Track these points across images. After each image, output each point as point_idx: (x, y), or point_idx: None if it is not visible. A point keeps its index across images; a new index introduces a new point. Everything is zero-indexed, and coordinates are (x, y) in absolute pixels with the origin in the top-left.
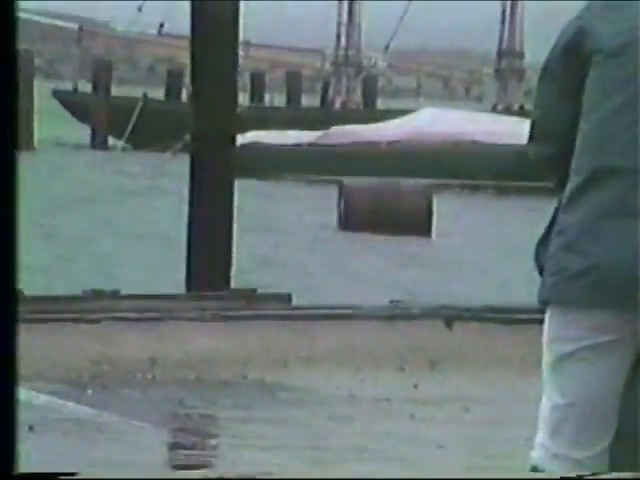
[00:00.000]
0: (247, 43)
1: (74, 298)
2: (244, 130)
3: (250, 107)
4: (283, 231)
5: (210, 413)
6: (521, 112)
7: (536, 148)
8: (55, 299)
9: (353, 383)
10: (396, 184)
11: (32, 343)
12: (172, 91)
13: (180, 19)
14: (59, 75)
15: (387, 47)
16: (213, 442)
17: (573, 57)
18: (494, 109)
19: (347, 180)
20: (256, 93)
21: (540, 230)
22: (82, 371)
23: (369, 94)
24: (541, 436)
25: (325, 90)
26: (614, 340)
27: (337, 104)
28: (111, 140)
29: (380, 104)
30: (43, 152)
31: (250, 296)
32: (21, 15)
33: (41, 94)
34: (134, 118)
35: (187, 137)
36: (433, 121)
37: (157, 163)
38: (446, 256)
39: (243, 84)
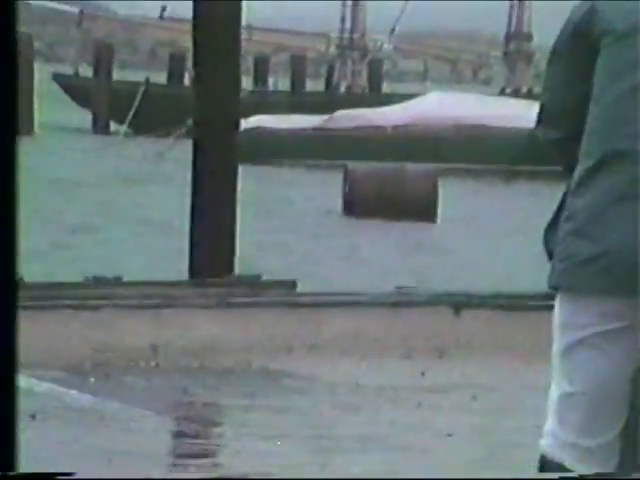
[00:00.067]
0: (250, 27)
1: (75, 285)
2: (247, 115)
3: (254, 91)
4: (287, 217)
5: (213, 401)
6: (530, 95)
7: (545, 131)
8: (56, 286)
9: (358, 371)
10: (401, 169)
11: (33, 331)
12: (174, 75)
13: (182, 2)
14: (59, 58)
15: (393, 30)
16: (216, 430)
17: (583, 38)
18: (502, 92)
19: (352, 165)
20: (260, 77)
21: (549, 215)
22: (84, 359)
23: (374, 78)
24: (550, 424)
25: (330, 74)
26: (625, 327)
27: (342, 88)
28: (113, 125)
29: (386, 88)
30: (43, 137)
31: (254, 283)
32: None
33: (41, 78)
34: (136, 103)
35: (190, 122)
36: (440, 105)
37: (159, 148)
38: (452, 242)
39: (246, 68)
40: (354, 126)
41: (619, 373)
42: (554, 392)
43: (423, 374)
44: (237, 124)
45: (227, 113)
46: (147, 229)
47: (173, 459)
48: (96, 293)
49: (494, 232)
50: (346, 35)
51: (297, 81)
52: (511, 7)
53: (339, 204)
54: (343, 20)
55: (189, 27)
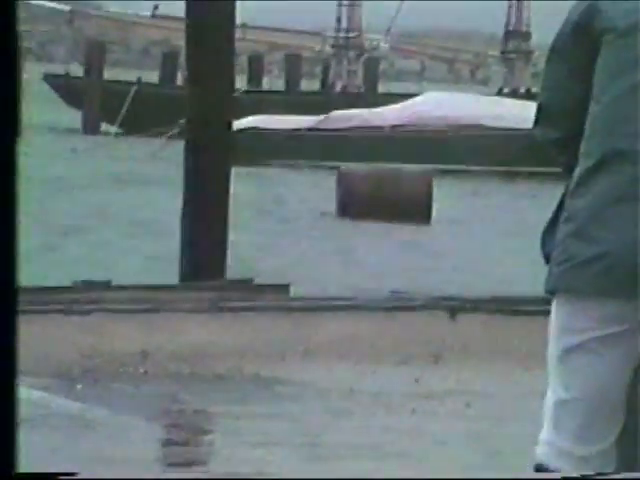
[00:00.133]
0: (245, 25)
1: (64, 289)
2: (241, 115)
3: (248, 91)
4: (281, 218)
5: (204, 408)
6: (528, 95)
7: (543, 131)
8: (44, 290)
9: (352, 377)
10: (395, 170)
11: (20, 335)
12: (167, 74)
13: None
14: (50, 57)
15: (389, 29)
16: (207, 438)
17: (583, 36)
18: (500, 92)
19: (345, 166)
20: (254, 76)
21: (547, 217)
22: (72, 365)
23: (371, 77)
24: (545, 432)
25: (325, 73)
26: (623, 331)
27: (337, 88)
28: (104, 125)
29: (382, 88)
30: (33, 137)
31: (246, 286)
32: None
33: (32, 77)
34: (128, 102)
35: (182, 122)
36: (437, 105)
37: (151, 149)
38: (448, 244)
39: (240, 67)
40: (350, 126)
41: (617, 379)
42: (550, 398)
43: (417, 380)
44: (230, 124)
45: (221, 113)
46: (138, 231)
47: (162, 467)
48: (85, 297)
49: (491, 234)
50: (342, 34)
51: (292, 81)
52: (509, 6)
53: (333, 206)
54: (339, 19)
55: (182, 25)
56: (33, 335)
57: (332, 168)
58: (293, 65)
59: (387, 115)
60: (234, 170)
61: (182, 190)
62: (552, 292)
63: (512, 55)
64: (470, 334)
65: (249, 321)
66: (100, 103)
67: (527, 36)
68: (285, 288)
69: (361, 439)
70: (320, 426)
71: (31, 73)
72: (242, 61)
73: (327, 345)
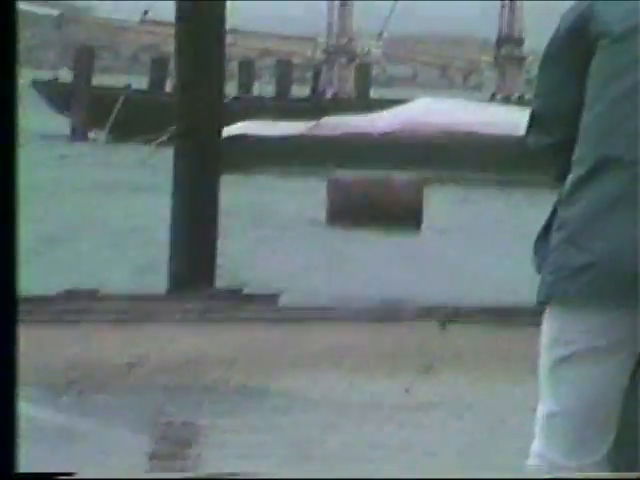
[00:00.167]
0: (235, 30)
1: (49, 298)
2: (231, 121)
3: (238, 97)
4: (270, 226)
5: (191, 420)
6: (521, 101)
7: (536, 137)
8: (29, 299)
9: (342, 388)
10: (385, 177)
11: None
12: (156, 80)
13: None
14: (39, 63)
15: (381, 34)
16: (194, 451)
17: (577, 41)
18: (493, 98)
19: (335, 173)
20: (244, 82)
21: (539, 225)
22: (57, 376)
23: (362, 83)
24: (537, 444)
25: (316, 79)
26: (615, 342)
27: (328, 94)
28: (92, 132)
29: (374, 93)
30: (20, 144)
31: (235, 296)
32: None
33: (20, 83)
34: (116, 109)
35: (172, 129)
36: (429, 111)
37: (140, 156)
38: (439, 252)
39: (231, 73)
40: (341, 133)
41: (609, 390)
42: (541, 410)
43: (407, 391)
44: (220, 131)
45: (210, 120)
46: (126, 239)
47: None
48: (71, 307)
49: (482, 242)
50: (333, 40)
51: (282, 87)
52: (502, 12)
53: (323, 213)
54: (330, 24)
55: (172, 31)
56: (17, 346)
57: (323, 175)
58: (284, 71)
59: (379, 121)
60: (223, 177)
61: (171, 197)
62: (544, 302)
63: (505, 61)
64: (461, 344)
65: (237, 331)
66: (89, 110)
67: (520, 42)
68: (274, 298)
69: (351, 451)
70: (309, 438)
71: (19, 79)
72: (232, 67)
73: (316, 356)
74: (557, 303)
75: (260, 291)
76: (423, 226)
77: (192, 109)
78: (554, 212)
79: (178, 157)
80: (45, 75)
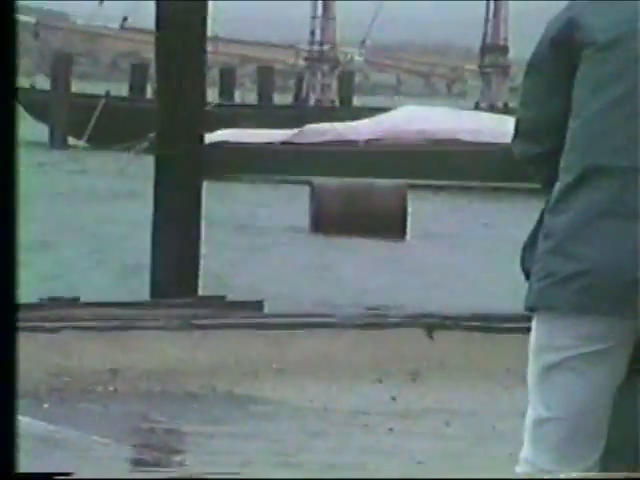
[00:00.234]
0: (216, 38)
1: (30, 306)
2: (213, 129)
3: (219, 104)
4: (254, 234)
5: (176, 428)
6: (505, 110)
7: (521, 146)
8: None
9: (328, 395)
10: (369, 184)
11: None
12: (136, 87)
13: (144, 13)
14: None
15: (364, 42)
16: (179, 458)
17: (562, 50)
18: (477, 107)
19: (318, 181)
20: (226, 89)
21: (524, 233)
22: (39, 384)
23: (345, 91)
24: (526, 451)
25: (298, 87)
26: (604, 349)
27: (311, 101)
28: (71, 139)
29: (357, 101)
30: None
31: (219, 303)
32: None
33: None
34: (95, 116)
35: (152, 136)
36: (413, 119)
37: (120, 163)
38: (424, 260)
39: (212, 80)
40: (324, 140)
41: (598, 397)
42: (530, 417)
43: (395, 398)
44: (201, 138)
45: (192, 127)
46: (106, 247)
47: None
48: (52, 315)
49: (467, 250)
50: (315, 47)
51: (265, 94)
52: (486, 20)
53: (306, 221)
54: (313, 32)
55: (152, 38)
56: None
57: (305, 183)
58: (266, 78)
59: (362, 129)
60: (205, 185)
61: (152, 205)
62: (532, 309)
63: (489, 69)
64: (448, 351)
65: (222, 338)
66: (67, 117)
67: (504, 50)
68: (258, 305)
69: (337, 459)
70: (295, 446)
71: None
72: (214, 74)
73: (302, 363)
74: (546, 310)
75: (244, 298)
76: (407, 233)
77: (173, 116)
78: (541, 220)
79: (159, 164)
80: (21, 82)
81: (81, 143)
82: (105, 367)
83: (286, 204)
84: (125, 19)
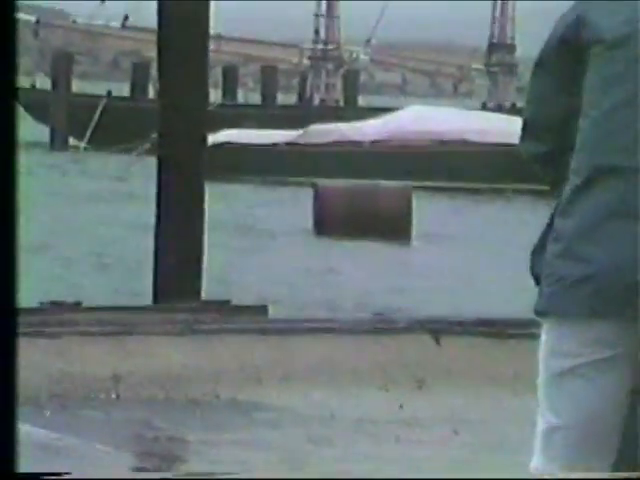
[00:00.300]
0: (219, 36)
1: (31, 310)
2: (216, 129)
3: (222, 104)
4: (257, 236)
5: (179, 435)
6: (513, 110)
7: (529, 146)
8: None
9: (333, 402)
10: (373, 186)
11: None
12: (138, 86)
13: (146, 12)
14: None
15: (369, 40)
16: (182, 467)
17: (570, 49)
18: (484, 107)
19: (322, 182)
20: (229, 89)
21: (533, 235)
22: (40, 390)
23: (350, 90)
24: (536, 460)
25: (302, 86)
26: (616, 355)
27: (315, 101)
28: (72, 140)
29: (362, 101)
30: None
31: (222, 308)
32: None
33: None
34: (96, 117)
35: (154, 137)
36: (419, 119)
37: (121, 164)
38: (430, 263)
39: (215, 80)
40: (329, 141)
41: (609, 405)
42: (540, 425)
43: (401, 406)
44: (204, 139)
45: (194, 127)
46: (108, 249)
47: None
48: (54, 319)
49: (474, 253)
50: (320, 46)
51: (268, 94)
52: (493, 18)
53: (310, 223)
54: (317, 30)
55: (153, 36)
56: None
57: (308, 184)
58: (269, 78)
59: (367, 130)
60: (208, 186)
61: (155, 207)
62: (542, 314)
63: (496, 68)
64: (456, 358)
65: (225, 344)
66: (68, 117)
67: (512, 49)
68: (263, 309)
69: (343, 467)
70: (300, 454)
71: None
72: (216, 73)
73: (307, 369)
74: (556, 315)
75: (247, 301)
76: (413, 236)
77: (175, 116)
78: (551, 222)
79: (161, 165)
80: (21, 81)
81: (82, 144)
82: (107, 373)
83: (290, 206)
84: (126, 18)
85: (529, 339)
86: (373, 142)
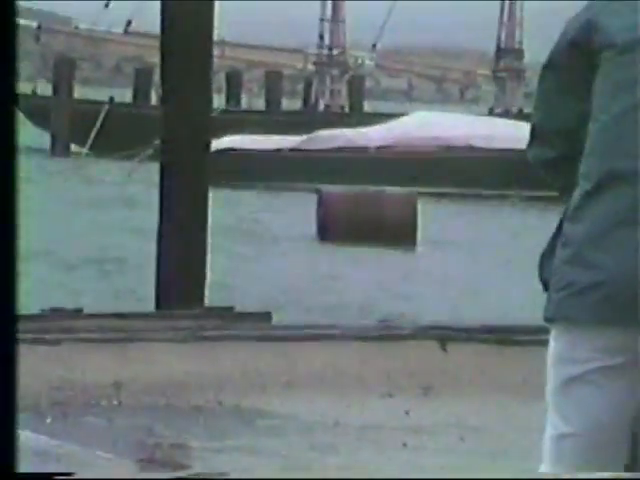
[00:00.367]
0: (222, 42)
1: (31, 317)
2: (219, 135)
3: (226, 110)
4: (262, 243)
5: (181, 442)
6: (520, 115)
7: (537, 151)
8: None
9: (338, 409)
10: (377, 192)
11: None
12: (140, 92)
13: (149, 17)
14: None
15: (375, 45)
16: (184, 474)
17: (580, 53)
18: (491, 112)
19: (326, 188)
20: (232, 95)
21: (542, 241)
22: (40, 397)
23: (355, 96)
24: (544, 467)
25: (307, 92)
26: (625, 362)
27: (320, 107)
28: (73, 147)
29: (367, 107)
30: None
31: (226, 314)
32: None
33: None
34: (98, 123)
35: (157, 143)
36: (425, 125)
37: (124, 171)
38: (435, 270)
39: (218, 85)
40: (334, 147)
41: (619, 412)
42: (548, 433)
43: (407, 413)
44: (208, 145)
45: (197, 133)
46: (109, 256)
47: None
48: (54, 326)
49: (480, 259)
50: (325, 51)
51: (273, 99)
52: (501, 22)
53: (314, 229)
54: (322, 35)
55: (156, 42)
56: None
57: (312, 190)
58: (274, 83)
59: (373, 135)
60: (212, 192)
61: (157, 214)
62: (550, 321)
63: (504, 74)
64: (462, 364)
65: (229, 351)
66: (69, 124)
67: (520, 54)
68: (267, 316)
69: (348, 475)
70: (304, 461)
71: None
72: (220, 79)
73: (311, 376)
74: (565, 321)
75: (250, 307)
76: (418, 242)
77: (178, 122)
78: (560, 228)
79: (164, 172)
80: (22, 87)
81: (84, 151)
82: (109, 380)
83: (294, 212)
84: (129, 23)
85: (536, 346)
86: (378, 148)
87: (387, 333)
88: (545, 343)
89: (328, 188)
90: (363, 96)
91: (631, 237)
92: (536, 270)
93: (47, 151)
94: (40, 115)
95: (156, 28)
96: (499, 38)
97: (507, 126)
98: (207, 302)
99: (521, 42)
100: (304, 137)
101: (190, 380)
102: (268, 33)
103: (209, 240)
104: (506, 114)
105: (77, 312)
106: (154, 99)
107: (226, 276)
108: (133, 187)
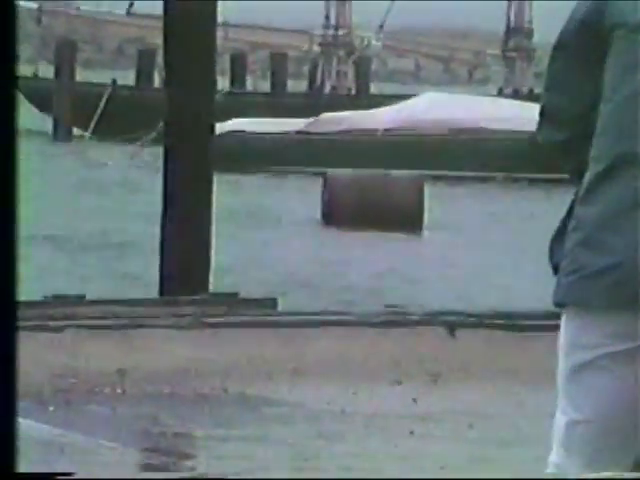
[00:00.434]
0: (226, 24)
1: (33, 304)
2: (224, 118)
3: (230, 93)
4: (267, 228)
5: (186, 431)
6: (530, 96)
7: (547, 133)
8: None
9: (345, 397)
10: (384, 176)
11: None
12: (143, 74)
13: None
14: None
15: (381, 26)
16: (189, 463)
17: (591, 32)
18: (500, 93)
19: (331, 172)
20: (237, 77)
21: (551, 225)
22: (43, 385)
23: (362, 78)
24: (555, 455)
25: (313, 74)
26: (637, 347)
27: (326, 89)
28: (76, 131)
29: (374, 89)
30: None
31: (231, 301)
32: None
33: None
34: (101, 107)
35: (160, 126)
36: (433, 107)
37: (127, 155)
38: (443, 254)
39: (222, 67)
40: (341, 130)
41: (630, 398)
42: (559, 419)
43: (415, 400)
44: (212, 128)
45: (201, 116)
46: (113, 241)
47: None
48: (57, 313)
49: (490, 244)
50: (330, 32)
51: (278, 81)
52: (510, 1)
53: (319, 213)
54: (327, 16)
55: (159, 23)
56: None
57: (318, 174)
58: (279, 65)
59: (381, 118)
60: (216, 176)
61: (161, 198)
62: (561, 305)
63: (513, 54)
64: (471, 351)
65: (234, 338)
66: (71, 107)
67: (529, 33)
68: (272, 302)
69: (355, 464)
70: (311, 450)
71: None
72: (224, 61)
73: (318, 363)
74: (576, 306)
75: (254, 293)
76: (425, 226)
77: (182, 105)
78: (570, 211)
79: (168, 155)
80: (23, 70)
81: (86, 134)
82: (112, 368)
83: (299, 196)
84: (131, 4)
85: (546, 331)
86: (386, 130)
87: (395, 319)
88: (555, 328)
89: (334, 172)
90: (370, 78)
91: None
92: (546, 254)
93: (49, 134)
94: (42, 98)
95: (159, 9)
96: (508, 17)
97: (517, 107)
98: (211, 288)
99: (531, 21)
100: (310, 120)
101: (195, 367)
102: (273, 14)
103: (214, 225)
104: (516, 94)
105: (80, 299)
106: (157, 81)
107: (229, 260)
108: (136, 171)
